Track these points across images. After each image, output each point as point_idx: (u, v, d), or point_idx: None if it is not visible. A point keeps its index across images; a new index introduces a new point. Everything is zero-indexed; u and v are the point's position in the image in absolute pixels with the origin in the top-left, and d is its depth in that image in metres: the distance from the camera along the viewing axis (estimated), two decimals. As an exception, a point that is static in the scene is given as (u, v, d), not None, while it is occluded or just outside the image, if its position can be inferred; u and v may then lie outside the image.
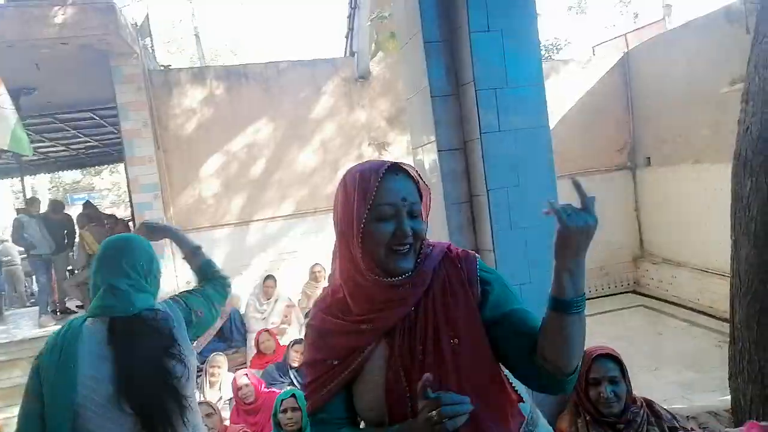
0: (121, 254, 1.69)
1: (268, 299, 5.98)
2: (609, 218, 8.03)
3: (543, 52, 11.72)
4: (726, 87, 5.94)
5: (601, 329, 6.14)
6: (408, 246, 1.11)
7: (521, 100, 2.29)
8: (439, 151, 2.34)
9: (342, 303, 1.18)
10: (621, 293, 8.11)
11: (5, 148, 5.50)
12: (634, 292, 8.14)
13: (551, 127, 2.38)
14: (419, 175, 1.17)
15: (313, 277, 6.19)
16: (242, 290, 6.37)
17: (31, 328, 6.83)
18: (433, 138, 2.36)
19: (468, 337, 1.14)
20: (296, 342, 4.72)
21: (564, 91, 7.84)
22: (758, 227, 2.53)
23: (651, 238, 8.14)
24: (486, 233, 2.24)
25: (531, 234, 2.21)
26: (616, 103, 8.12)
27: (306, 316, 6.03)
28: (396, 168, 1.13)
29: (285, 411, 2.80)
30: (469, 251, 1.26)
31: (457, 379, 1.10)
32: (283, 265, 6.77)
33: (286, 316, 5.93)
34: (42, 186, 20.49)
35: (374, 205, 1.10)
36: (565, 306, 1.08)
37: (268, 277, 6.12)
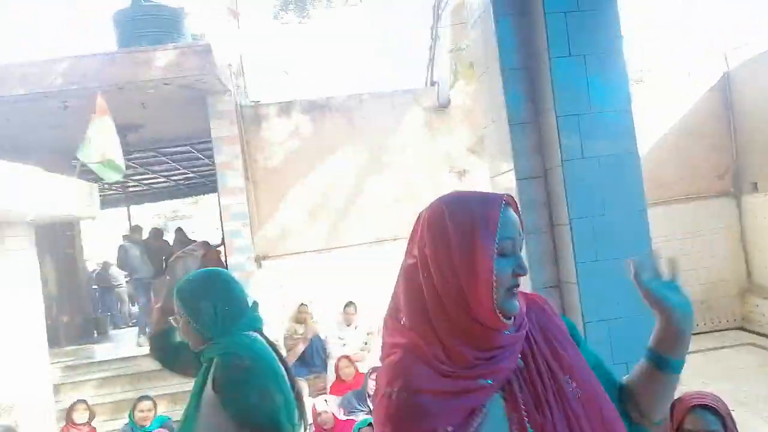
0: (233, 278, 1.86)
1: (349, 326, 6.04)
2: (711, 248, 7.45)
3: (635, 74, 11.20)
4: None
5: (703, 369, 5.63)
6: (519, 285, 1.00)
7: (607, 126, 2.20)
8: (517, 179, 2.29)
9: (430, 360, 0.98)
10: (726, 330, 7.43)
11: (94, 168, 5.69)
12: (741, 328, 7.44)
13: (644, 153, 2.25)
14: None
15: (394, 305, 6.19)
16: (324, 316, 6.48)
17: (131, 347, 7.32)
18: (511, 166, 2.31)
19: (586, 382, 1.02)
20: (374, 369, 4.71)
21: (657, 115, 7.45)
22: None
23: (760, 270, 7.43)
24: (569, 265, 2.14)
25: (618, 266, 2.07)
26: (716, 125, 7.59)
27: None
28: (510, 202, 1.04)
29: (362, 440, 2.78)
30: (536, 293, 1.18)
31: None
32: (363, 292, 6.82)
33: (366, 343, 5.95)
34: (146, 214, 22.15)
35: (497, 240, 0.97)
36: (665, 365, 1.06)
37: (349, 303, 6.18)
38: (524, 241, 1.05)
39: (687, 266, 7.42)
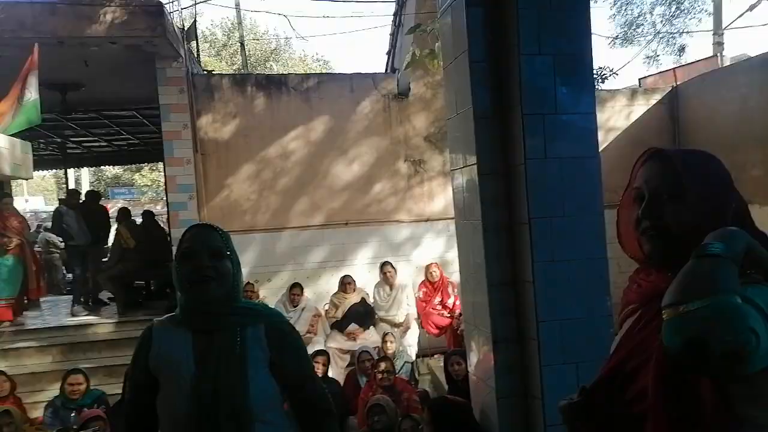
0: None
1: (295, 307, 5.95)
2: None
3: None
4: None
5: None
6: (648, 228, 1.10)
7: (571, 128, 2.19)
8: (479, 174, 2.25)
9: None
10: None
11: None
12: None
13: (593, 157, 2.27)
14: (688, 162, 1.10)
15: (343, 288, 6.13)
16: (270, 297, 6.35)
17: (64, 317, 6.95)
18: (473, 161, 2.28)
19: None
20: (318, 353, 4.66)
21: (607, 122, 7.66)
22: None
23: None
24: (526, 263, 2.14)
25: (575, 267, 2.09)
26: (662, 137, 7.87)
27: (333, 327, 5.95)
28: (657, 155, 1.15)
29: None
30: None
31: None
32: (311, 275, 6.73)
33: (313, 326, 5.89)
34: (85, 179, 21.09)
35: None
36: None
37: (295, 285, 6.09)
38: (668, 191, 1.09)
39: (626, 269, 7.71)
